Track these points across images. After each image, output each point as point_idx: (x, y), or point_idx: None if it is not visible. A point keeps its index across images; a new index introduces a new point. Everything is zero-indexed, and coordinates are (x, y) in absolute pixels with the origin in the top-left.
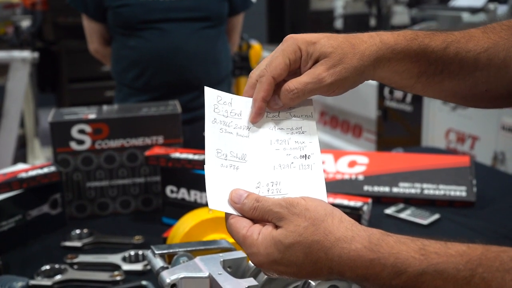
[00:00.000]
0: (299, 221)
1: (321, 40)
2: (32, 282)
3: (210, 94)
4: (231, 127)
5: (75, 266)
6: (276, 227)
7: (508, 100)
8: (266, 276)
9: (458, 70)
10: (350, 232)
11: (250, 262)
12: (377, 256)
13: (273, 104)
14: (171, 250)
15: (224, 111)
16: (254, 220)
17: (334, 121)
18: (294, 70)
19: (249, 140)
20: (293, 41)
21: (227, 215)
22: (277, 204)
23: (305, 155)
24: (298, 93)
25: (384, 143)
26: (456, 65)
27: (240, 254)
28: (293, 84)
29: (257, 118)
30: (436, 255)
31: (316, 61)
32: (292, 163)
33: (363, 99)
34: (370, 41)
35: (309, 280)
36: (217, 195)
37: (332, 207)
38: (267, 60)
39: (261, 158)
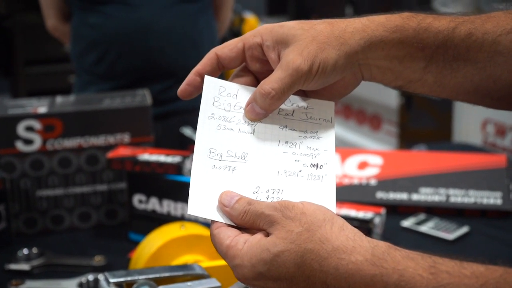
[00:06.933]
0: (292, 226)
1: (290, 23)
2: None
3: (211, 84)
4: (232, 123)
5: None
6: (267, 235)
7: None
8: None
9: (475, 55)
10: (351, 242)
11: None
12: (379, 271)
13: (252, 113)
14: (129, 278)
15: (227, 105)
16: (243, 229)
17: (347, 110)
18: (257, 58)
19: (253, 138)
20: (259, 28)
21: (212, 225)
22: (271, 207)
23: (317, 164)
24: (277, 94)
25: (408, 137)
26: (471, 49)
27: (213, 282)
28: (268, 84)
29: (183, 91)
30: (448, 274)
31: (283, 46)
32: (300, 171)
33: None
34: (353, 20)
35: None
36: (201, 199)
37: (334, 214)
38: None
39: (264, 159)
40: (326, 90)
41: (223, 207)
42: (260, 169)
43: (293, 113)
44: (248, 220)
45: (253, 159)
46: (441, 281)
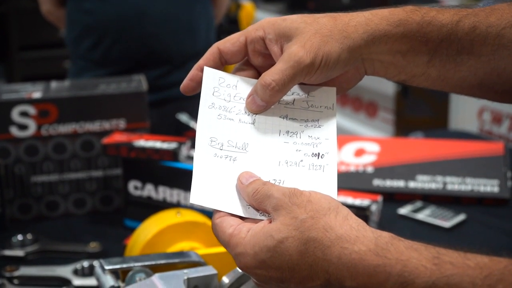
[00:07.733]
0: (297, 213)
1: (293, 17)
2: None
3: (210, 75)
4: (233, 113)
5: (15, 281)
6: (271, 222)
7: None
8: None
9: (479, 49)
10: (354, 232)
11: (222, 279)
12: (382, 262)
13: (253, 105)
14: (124, 265)
15: (227, 95)
16: (245, 219)
17: (343, 97)
18: (259, 51)
19: (254, 128)
20: (261, 21)
21: (214, 215)
22: (280, 191)
23: (318, 153)
24: (277, 85)
25: (404, 124)
26: (475, 42)
27: (210, 270)
28: (269, 75)
29: (186, 86)
30: (451, 265)
31: (286, 40)
32: (302, 161)
33: None
34: (356, 14)
35: None
36: (204, 188)
37: (339, 203)
38: None
39: (265, 150)
40: (328, 84)
41: (240, 184)
42: (261, 160)
43: (293, 102)
44: (258, 198)
45: (253, 149)
46: (445, 272)
